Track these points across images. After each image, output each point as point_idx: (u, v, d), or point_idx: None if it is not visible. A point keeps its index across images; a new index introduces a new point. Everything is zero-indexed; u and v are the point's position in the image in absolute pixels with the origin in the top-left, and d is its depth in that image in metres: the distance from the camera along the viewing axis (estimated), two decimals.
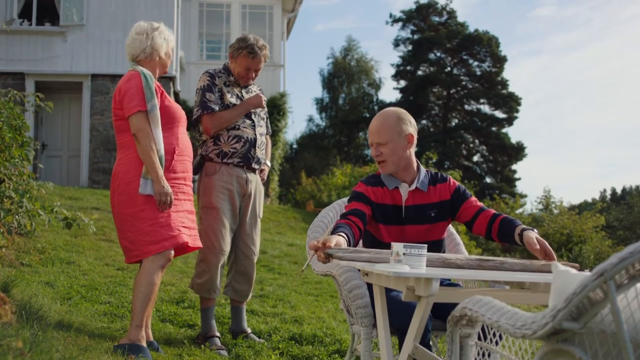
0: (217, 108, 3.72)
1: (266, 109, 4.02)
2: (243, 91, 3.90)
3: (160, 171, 3.09)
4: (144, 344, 3.12)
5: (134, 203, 3.13)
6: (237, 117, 3.76)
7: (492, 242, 12.81)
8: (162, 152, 3.14)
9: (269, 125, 4.08)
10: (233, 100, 3.79)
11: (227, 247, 3.73)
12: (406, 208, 2.73)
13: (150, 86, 3.17)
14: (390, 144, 2.70)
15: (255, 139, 3.80)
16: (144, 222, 3.12)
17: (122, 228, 3.20)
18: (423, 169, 2.82)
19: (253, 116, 3.85)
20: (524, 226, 2.62)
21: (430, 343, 2.59)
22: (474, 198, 2.82)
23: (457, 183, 2.86)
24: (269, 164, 4.02)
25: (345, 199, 2.97)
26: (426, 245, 2.14)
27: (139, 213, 3.12)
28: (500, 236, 2.69)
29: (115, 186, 3.21)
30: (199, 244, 3.39)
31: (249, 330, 3.88)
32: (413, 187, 2.75)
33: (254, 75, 3.87)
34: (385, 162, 2.73)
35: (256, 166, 3.83)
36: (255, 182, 3.87)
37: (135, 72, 3.23)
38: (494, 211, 2.77)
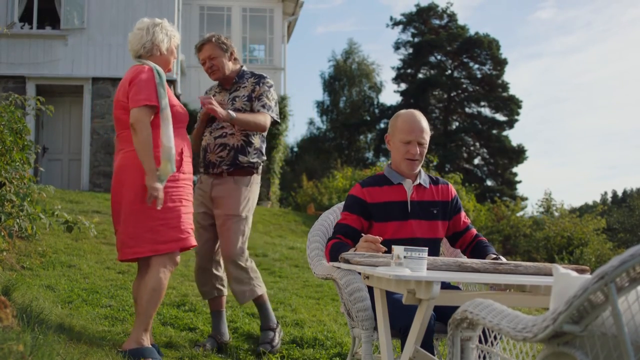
0: None
1: (246, 90, 3.75)
2: (230, 95, 3.77)
3: (153, 164, 2.98)
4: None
5: (145, 198, 3.02)
6: (196, 132, 3.79)
7: None
8: (173, 150, 3.03)
9: (257, 105, 3.72)
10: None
11: (199, 247, 3.72)
12: (412, 203, 2.81)
13: (163, 84, 3.08)
14: (426, 147, 2.84)
15: (207, 145, 3.73)
16: (152, 220, 3.03)
17: (127, 221, 3.07)
18: (422, 171, 2.92)
19: (214, 121, 3.73)
20: (495, 255, 2.72)
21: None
22: (463, 212, 2.94)
23: (455, 191, 2.98)
24: (233, 114, 3.56)
25: None
26: (427, 248, 2.15)
27: (149, 210, 3.02)
28: (472, 255, 2.85)
29: (124, 178, 3.08)
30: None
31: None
32: (417, 182, 2.84)
33: (212, 65, 3.72)
34: (418, 162, 2.83)
35: (214, 170, 3.71)
36: (221, 183, 3.70)
37: (146, 66, 3.13)
38: (475, 231, 2.92)
